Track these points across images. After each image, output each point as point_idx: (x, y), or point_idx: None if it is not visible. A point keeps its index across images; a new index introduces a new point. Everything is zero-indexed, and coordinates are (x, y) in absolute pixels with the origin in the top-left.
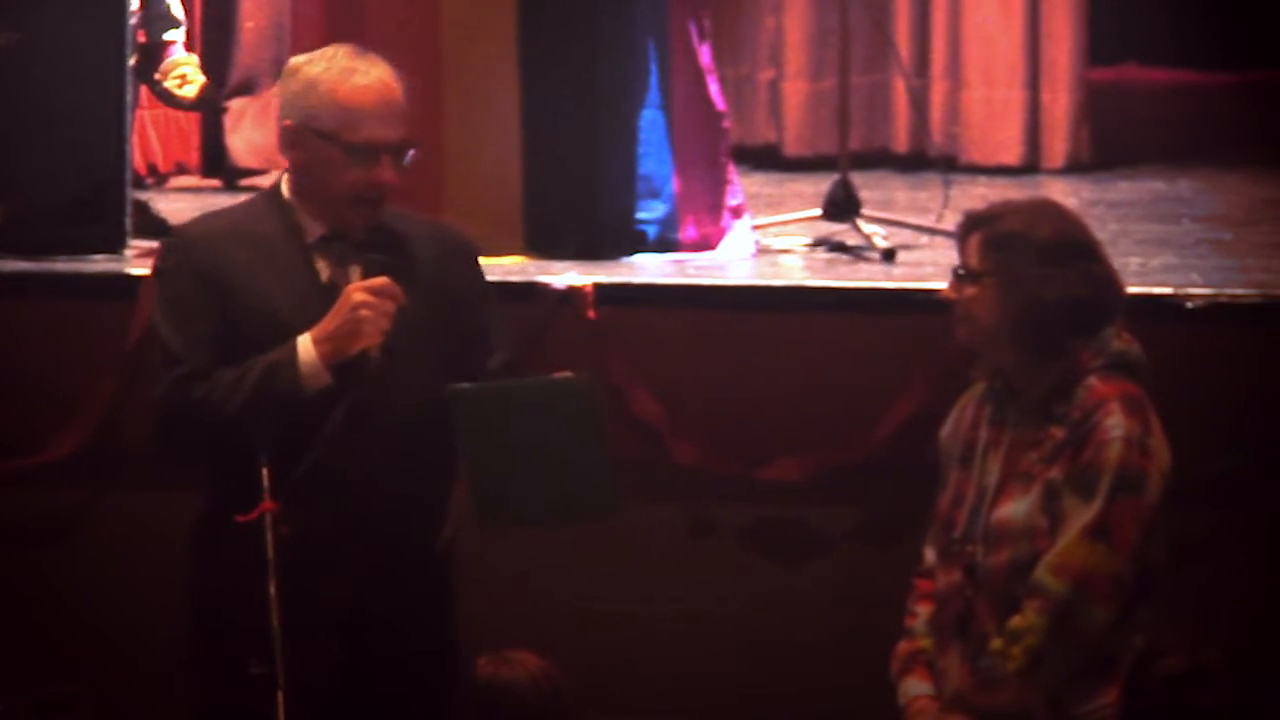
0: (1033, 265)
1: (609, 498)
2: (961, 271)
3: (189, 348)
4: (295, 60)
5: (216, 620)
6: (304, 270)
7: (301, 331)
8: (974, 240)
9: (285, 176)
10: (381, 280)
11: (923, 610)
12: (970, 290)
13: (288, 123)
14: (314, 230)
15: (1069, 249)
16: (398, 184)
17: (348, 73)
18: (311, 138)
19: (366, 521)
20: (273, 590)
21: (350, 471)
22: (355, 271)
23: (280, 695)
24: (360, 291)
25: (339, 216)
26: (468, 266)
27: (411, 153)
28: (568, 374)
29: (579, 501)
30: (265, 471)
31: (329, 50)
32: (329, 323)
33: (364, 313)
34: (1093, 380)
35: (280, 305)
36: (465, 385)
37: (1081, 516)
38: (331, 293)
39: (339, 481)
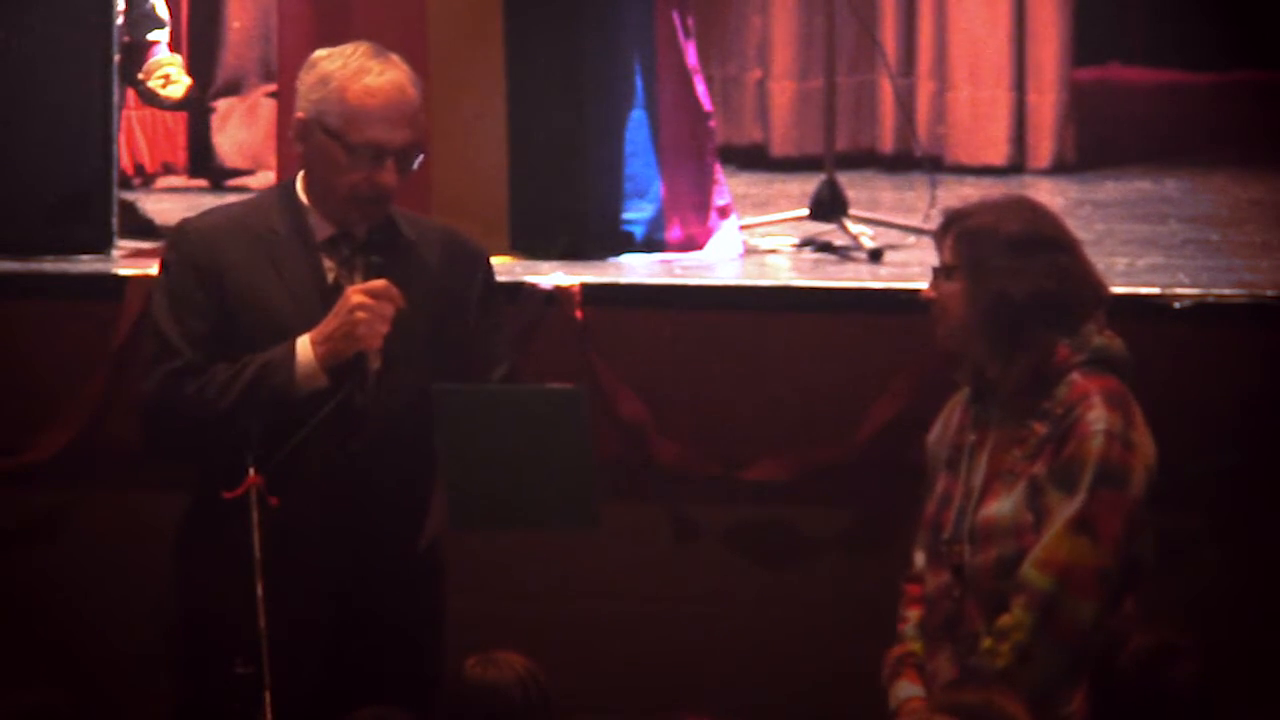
0: (1001, 258)
1: (585, 510)
2: (938, 268)
3: (185, 342)
4: (317, 53)
5: (202, 619)
6: (310, 270)
7: (302, 332)
8: (949, 237)
9: (301, 173)
10: (380, 283)
11: (912, 614)
12: (946, 286)
13: (300, 115)
14: (323, 230)
15: (1038, 243)
16: (400, 186)
17: (361, 72)
18: (319, 133)
19: (350, 522)
20: (259, 591)
21: (337, 473)
22: (359, 274)
23: (267, 695)
24: (358, 294)
25: (343, 215)
26: (474, 273)
27: (421, 158)
28: (560, 385)
29: (554, 510)
30: (251, 456)
31: (349, 47)
32: (327, 324)
33: (360, 314)
34: (1075, 376)
35: (282, 305)
36: (452, 385)
37: (1064, 510)
38: (336, 294)
39: (325, 482)
